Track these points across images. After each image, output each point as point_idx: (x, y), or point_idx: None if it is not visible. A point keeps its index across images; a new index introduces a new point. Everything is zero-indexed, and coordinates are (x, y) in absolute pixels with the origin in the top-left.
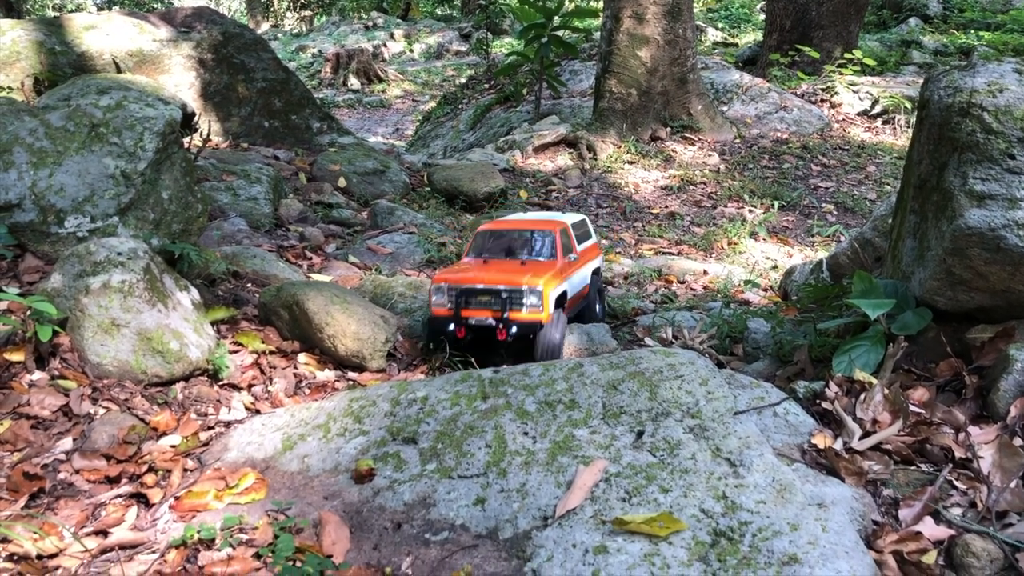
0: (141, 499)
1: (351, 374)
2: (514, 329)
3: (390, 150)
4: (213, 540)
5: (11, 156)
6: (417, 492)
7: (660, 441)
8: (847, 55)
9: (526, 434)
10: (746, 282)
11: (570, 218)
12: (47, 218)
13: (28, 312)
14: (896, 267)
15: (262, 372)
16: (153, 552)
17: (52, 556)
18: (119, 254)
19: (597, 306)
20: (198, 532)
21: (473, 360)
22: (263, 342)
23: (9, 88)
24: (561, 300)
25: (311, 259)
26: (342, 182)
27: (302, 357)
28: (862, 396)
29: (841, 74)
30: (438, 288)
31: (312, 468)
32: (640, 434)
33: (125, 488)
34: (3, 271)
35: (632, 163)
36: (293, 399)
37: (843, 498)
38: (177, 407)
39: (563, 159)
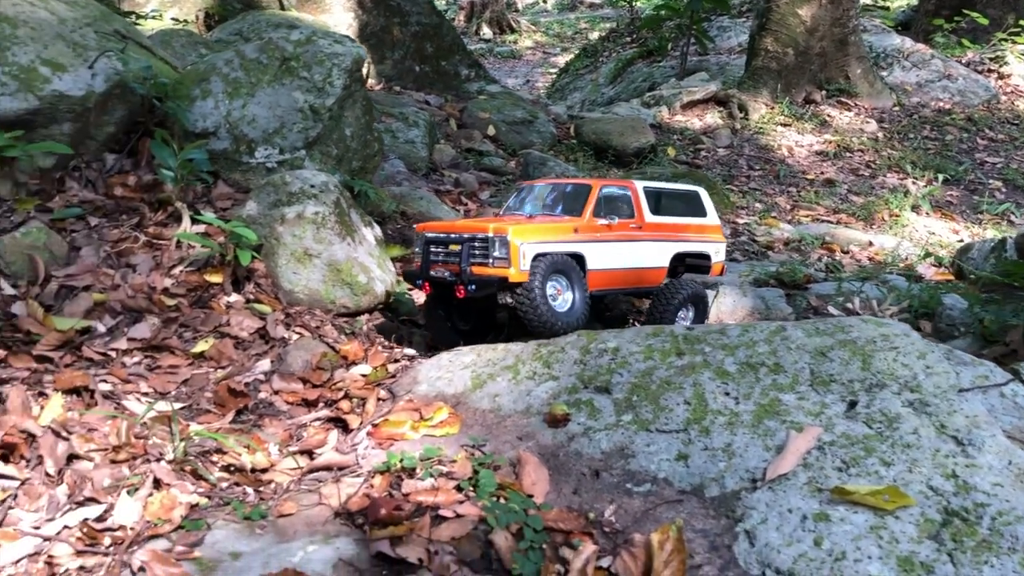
0: (339, 423)
1: None
2: (472, 287)
3: (537, 100)
4: (414, 469)
5: (208, 85)
6: (614, 442)
7: (876, 413)
8: (1021, 22)
9: (727, 394)
10: (925, 255)
11: (664, 183)
12: (239, 147)
13: (227, 237)
14: None
15: None
16: (357, 476)
17: (263, 471)
18: (312, 186)
19: (683, 311)
20: (400, 461)
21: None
22: None
23: (184, 21)
24: (567, 265)
25: (467, 204)
26: (491, 130)
27: None
28: None
29: (1014, 43)
30: (417, 237)
31: (503, 408)
32: (853, 404)
33: (323, 412)
34: (198, 196)
35: (785, 125)
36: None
37: None
38: (364, 338)
39: (712, 117)
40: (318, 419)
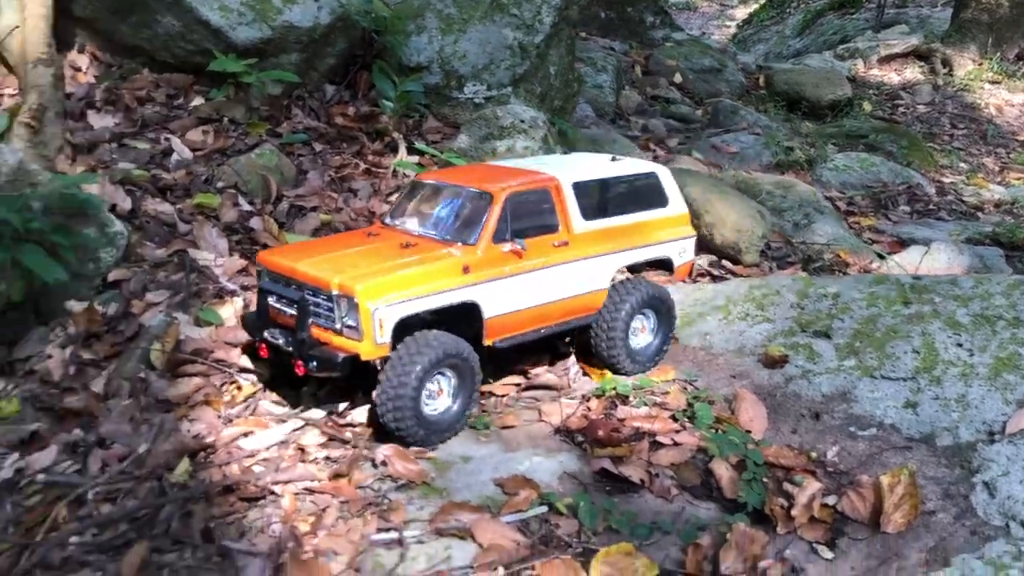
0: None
1: (725, 263)
2: (314, 364)
3: (725, 49)
4: (627, 397)
5: (423, 21)
6: (835, 386)
7: None
8: None
9: (960, 345)
10: None
11: (607, 170)
12: (449, 82)
13: (442, 165)
14: None
15: None
16: (572, 397)
17: (484, 383)
18: (522, 121)
19: (634, 338)
20: (614, 388)
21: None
22: None
23: None
24: (463, 359)
25: (654, 151)
26: (677, 78)
27: None
28: None
29: None
30: (258, 270)
31: (715, 346)
32: None
33: None
34: (410, 129)
35: (994, 83)
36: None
37: None
38: None
39: (911, 72)
40: None
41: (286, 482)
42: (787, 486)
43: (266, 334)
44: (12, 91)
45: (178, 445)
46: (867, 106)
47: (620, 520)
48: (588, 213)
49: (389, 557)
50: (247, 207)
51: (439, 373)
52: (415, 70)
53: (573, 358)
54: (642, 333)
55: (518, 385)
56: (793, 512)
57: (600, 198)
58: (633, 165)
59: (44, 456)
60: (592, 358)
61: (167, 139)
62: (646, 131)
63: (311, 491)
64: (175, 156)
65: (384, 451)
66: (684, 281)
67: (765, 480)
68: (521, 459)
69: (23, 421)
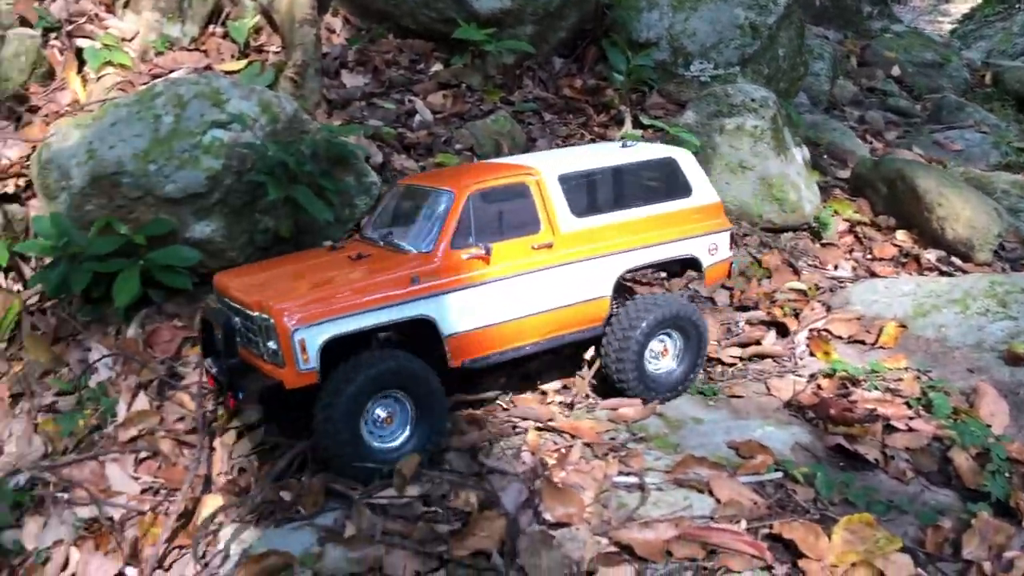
0: (774, 326)
1: (955, 260)
2: (241, 395)
3: (948, 43)
4: (858, 380)
5: None
6: None
7: None
8: None
9: None
10: None
11: (608, 159)
12: (676, 59)
13: (669, 141)
14: None
15: (859, 240)
16: (799, 375)
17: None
18: (753, 100)
19: (654, 362)
20: (845, 369)
21: None
22: (856, 212)
23: None
24: (413, 378)
25: (871, 143)
26: (895, 70)
27: (899, 234)
28: None
29: None
30: (216, 295)
31: (950, 339)
32: None
33: (757, 313)
34: (633, 104)
35: None
36: (890, 272)
37: None
38: (786, 255)
39: None
40: (752, 319)
41: (525, 418)
42: None
43: (206, 364)
44: (276, 49)
45: None
46: None
47: (857, 494)
48: (581, 209)
49: (631, 499)
50: None
51: (384, 398)
52: (643, 46)
53: (803, 335)
54: (664, 357)
55: (740, 357)
56: None
57: (598, 191)
58: (644, 151)
59: None
60: (823, 335)
61: (411, 101)
62: (863, 122)
63: (550, 429)
64: (418, 117)
65: (609, 404)
66: (722, 281)
67: (1008, 474)
68: (752, 427)
69: None
